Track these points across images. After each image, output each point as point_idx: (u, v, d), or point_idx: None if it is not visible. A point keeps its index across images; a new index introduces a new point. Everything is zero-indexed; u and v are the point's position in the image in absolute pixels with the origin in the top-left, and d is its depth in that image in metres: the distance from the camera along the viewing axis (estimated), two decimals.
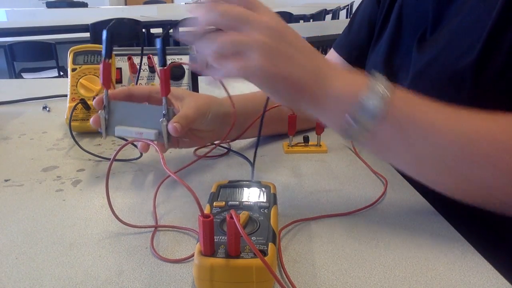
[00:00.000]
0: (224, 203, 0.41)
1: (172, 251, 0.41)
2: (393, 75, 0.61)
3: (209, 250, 0.34)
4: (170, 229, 0.45)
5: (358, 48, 0.73)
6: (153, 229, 0.45)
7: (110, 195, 0.45)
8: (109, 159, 0.63)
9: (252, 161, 0.59)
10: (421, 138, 0.40)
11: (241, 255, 0.33)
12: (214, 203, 0.42)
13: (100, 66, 0.49)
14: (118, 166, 0.61)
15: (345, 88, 0.41)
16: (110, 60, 0.50)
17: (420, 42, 0.58)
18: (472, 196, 0.43)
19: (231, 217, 0.32)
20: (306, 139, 0.66)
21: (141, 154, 0.63)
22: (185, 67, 0.82)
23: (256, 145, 0.61)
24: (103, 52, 0.50)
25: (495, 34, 0.47)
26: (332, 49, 0.78)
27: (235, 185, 0.45)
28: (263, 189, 0.44)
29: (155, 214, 0.48)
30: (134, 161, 0.62)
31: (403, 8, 0.64)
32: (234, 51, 0.38)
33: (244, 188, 0.44)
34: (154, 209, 0.49)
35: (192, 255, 0.37)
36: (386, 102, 0.39)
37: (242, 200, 0.42)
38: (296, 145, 0.66)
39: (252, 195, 0.43)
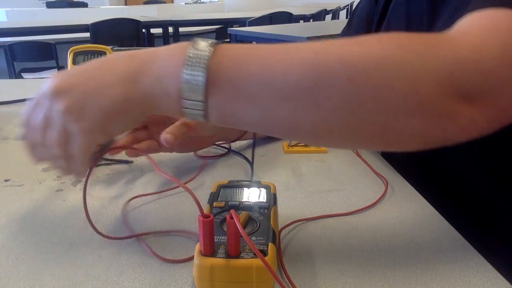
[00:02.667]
0: (224, 203, 0.41)
1: (172, 251, 0.41)
2: None
3: (209, 250, 0.34)
4: (170, 230, 0.45)
5: None
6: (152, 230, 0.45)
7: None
8: (109, 159, 0.63)
9: (251, 161, 0.59)
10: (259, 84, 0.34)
11: (241, 255, 0.33)
12: (214, 203, 0.41)
13: None
14: (116, 167, 0.61)
15: (157, 84, 0.35)
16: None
17: None
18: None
19: (231, 217, 0.32)
20: None
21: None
22: None
23: (253, 145, 0.61)
24: None
25: None
26: None
27: (235, 185, 0.45)
28: (263, 189, 0.44)
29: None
30: (133, 162, 0.62)
31: (397, 8, 0.64)
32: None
33: (244, 188, 0.44)
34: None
35: (192, 256, 0.37)
36: (207, 64, 0.34)
37: (242, 200, 0.42)
38: (296, 145, 0.66)
39: (252, 195, 0.43)
